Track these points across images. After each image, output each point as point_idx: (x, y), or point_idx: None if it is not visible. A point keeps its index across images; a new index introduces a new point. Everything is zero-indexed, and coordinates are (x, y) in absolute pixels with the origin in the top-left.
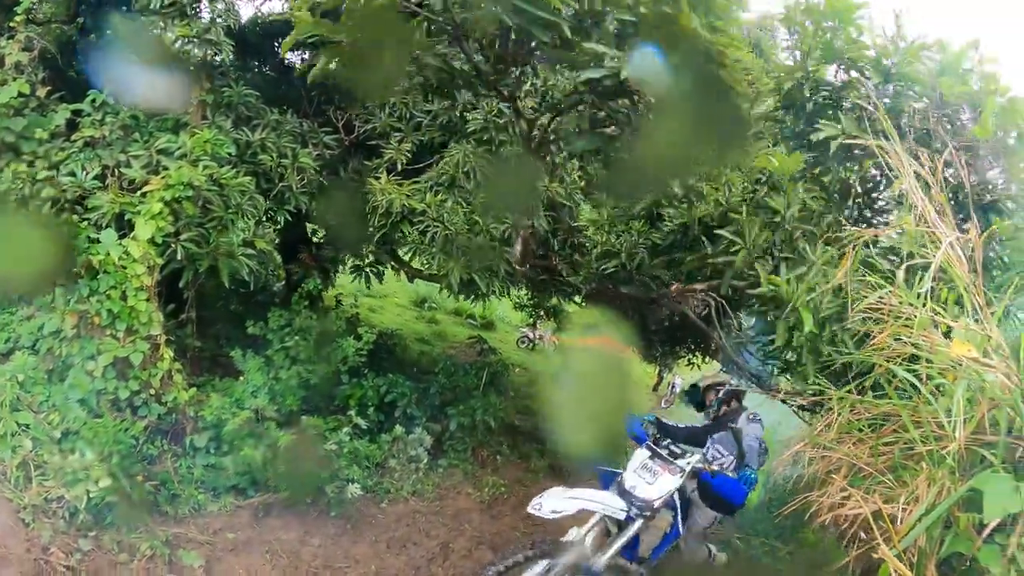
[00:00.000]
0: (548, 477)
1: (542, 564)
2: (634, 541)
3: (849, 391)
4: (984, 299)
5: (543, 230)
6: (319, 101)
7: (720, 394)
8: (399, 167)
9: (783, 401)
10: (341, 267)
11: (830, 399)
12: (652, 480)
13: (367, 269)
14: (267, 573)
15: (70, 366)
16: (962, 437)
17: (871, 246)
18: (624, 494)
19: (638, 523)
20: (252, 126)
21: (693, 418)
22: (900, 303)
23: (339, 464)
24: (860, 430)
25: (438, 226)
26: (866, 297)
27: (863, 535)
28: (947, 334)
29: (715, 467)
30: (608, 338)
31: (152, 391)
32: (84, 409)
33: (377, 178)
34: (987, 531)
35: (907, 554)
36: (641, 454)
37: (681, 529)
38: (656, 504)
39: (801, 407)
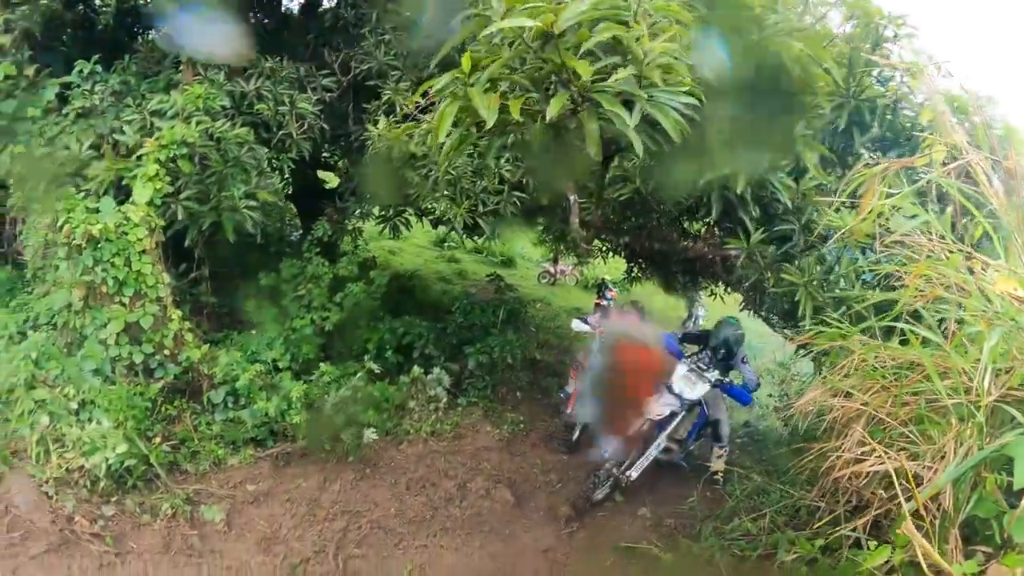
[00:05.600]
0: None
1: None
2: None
3: (872, 336)
4: None
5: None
6: (315, 44)
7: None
8: (399, 108)
9: (800, 348)
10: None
11: (849, 345)
12: (692, 386)
13: (394, 219)
14: (287, 521)
15: (85, 337)
16: (993, 391)
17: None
18: (674, 395)
19: (682, 414)
20: (247, 76)
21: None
22: (931, 240)
23: (355, 409)
24: (884, 377)
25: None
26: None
27: (882, 493)
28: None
29: (728, 379)
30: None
31: (166, 352)
32: (99, 378)
33: (375, 122)
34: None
35: (928, 514)
36: (682, 368)
37: (711, 408)
38: (695, 400)
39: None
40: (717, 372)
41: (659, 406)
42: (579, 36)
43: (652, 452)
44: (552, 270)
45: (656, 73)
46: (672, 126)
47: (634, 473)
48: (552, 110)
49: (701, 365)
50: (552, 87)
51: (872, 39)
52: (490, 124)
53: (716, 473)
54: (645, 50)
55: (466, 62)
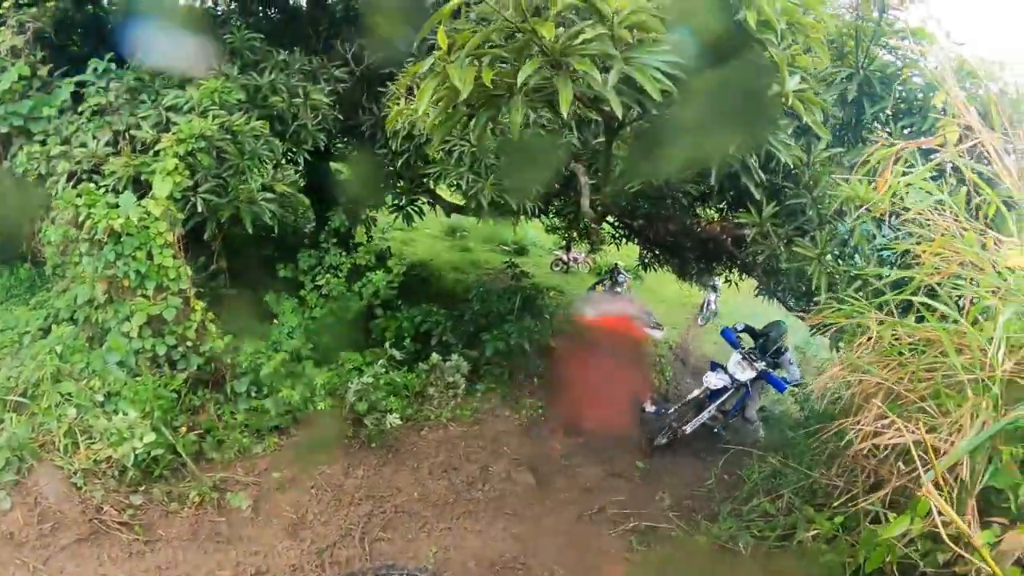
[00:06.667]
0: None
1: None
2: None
3: (888, 313)
4: None
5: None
6: (327, 36)
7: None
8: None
9: (813, 328)
10: (378, 208)
11: (866, 322)
12: (743, 370)
13: (408, 208)
14: (313, 507)
15: (107, 331)
16: (1008, 365)
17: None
18: (728, 375)
19: (731, 391)
20: (260, 69)
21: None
22: (943, 219)
23: (377, 396)
24: (900, 353)
25: (464, 144)
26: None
27: (901, 465)
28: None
29: (769, 370)
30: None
31: (189, 343)
32: (124, 370)
33: (396, 102)
34: None
35: (946, 486)
36: (736, 356)
37: (751, 391)
38: (743, 382)
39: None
40: (764, 363)
41: (716, 379)
42: (550, 1)
43: (704, 416)
44: (565, 258)
45: (628, 33)
46: (652, 86)
47: (688, 428)
48: (523, 75)
49: (752, 356)
50: (531, 57)
51: (879, 5)
52: (464, 95)
53: (758, 441)
54: (614, 9)
55: (441, 39)
